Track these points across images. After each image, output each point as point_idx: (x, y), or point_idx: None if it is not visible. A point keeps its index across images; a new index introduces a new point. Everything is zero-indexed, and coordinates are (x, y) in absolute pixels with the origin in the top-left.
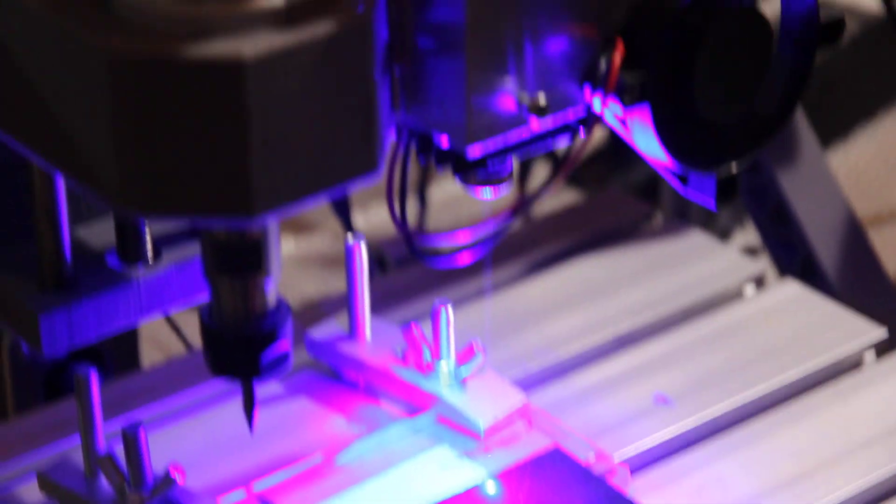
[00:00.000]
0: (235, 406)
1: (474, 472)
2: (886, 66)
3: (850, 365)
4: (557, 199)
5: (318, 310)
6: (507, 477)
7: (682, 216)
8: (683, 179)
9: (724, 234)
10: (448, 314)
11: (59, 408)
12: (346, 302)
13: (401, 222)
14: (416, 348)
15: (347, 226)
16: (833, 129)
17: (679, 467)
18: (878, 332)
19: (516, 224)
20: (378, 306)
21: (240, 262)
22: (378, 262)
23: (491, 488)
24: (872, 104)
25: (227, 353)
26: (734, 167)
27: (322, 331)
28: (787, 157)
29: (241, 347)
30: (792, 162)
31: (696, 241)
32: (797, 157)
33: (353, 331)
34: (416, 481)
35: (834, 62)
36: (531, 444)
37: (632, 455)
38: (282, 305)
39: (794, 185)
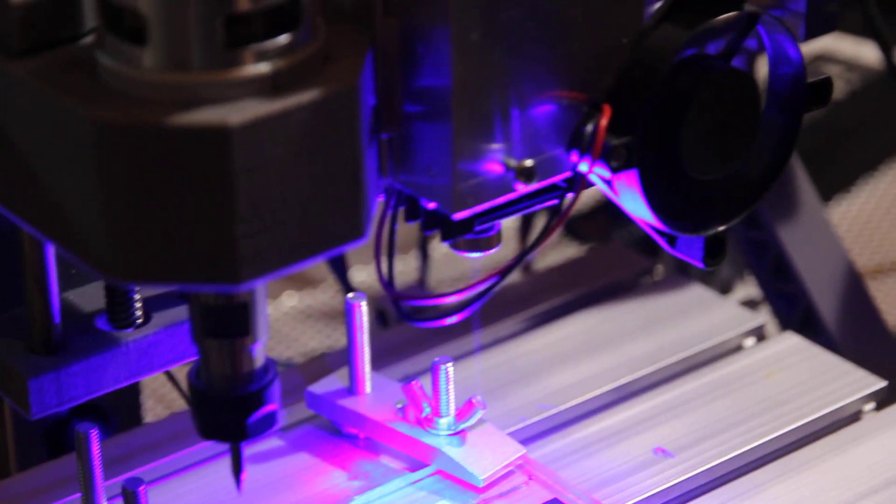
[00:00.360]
0: None
1: None
2: (888, 119)
3: (850, 417)
4: (559, 253)
5: (322, 362)
6: None
7: (683, 270)
8: (671, 239)
9: (724, 288)
10: (448, 372)
11: (60, 464)
12: (347, 358)
13: (388, 283)
14: (416, 404)
15: (344, 283)
16: (835, 182)
17: None
18: (878, 385)
19: (517, 277)
20: (379, 361)
21: (227, 326)
22: (379, 317)
23: None
24: (874, 157)
25: (215, 416)
26: (722, 229)
27: (322, 386)
28: (786, 210)
29: (229, 411)
30: (791, 216)
31: (696, 294)
32: (797, 211)
33: (354, 386)
34: None
35: (835, 115)
36: (530, 497)
37: None
38: (270, 367)
39: (794, 239)
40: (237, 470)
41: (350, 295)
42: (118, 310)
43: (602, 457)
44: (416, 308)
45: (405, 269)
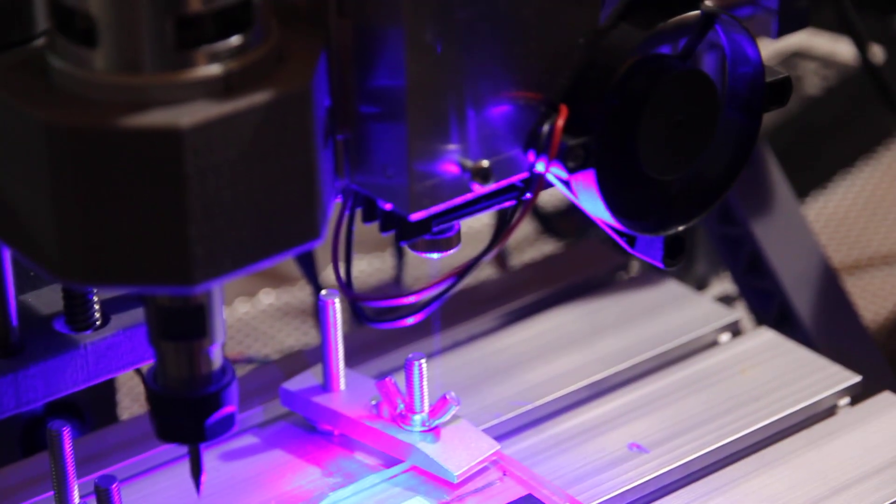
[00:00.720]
0: (211, 458)
1: None
2: (864, 116)
3: (825, 412)
4: (535, 250)
5: (300, 358)
6: None
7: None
8: (631, 239)
9: (700, 284)
10: (421, 368)
11: (34, 463)
12: (321, 355)
13: (345, 285)
14: (391, 401)
15: (314, 282)
16: (811, 178)
17: None
18: (853, 380)
19: (493, 274)
20: (354, 358)
21: (183, 328)
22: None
23: None
24: (850, 153)
25: (173, 418)
26: (681, 229)
27: (297, 383)
28: (761, 206)
29: (186, 413)
30: (766, 212)
31: (671, 290)
32: (771, 207)
33: (328, 383)
34: None
35: (812, 111)
36: (505, 493)
37: (606, 502)
38: (227, 368)
39: (769, 235)
40: (196, 472)
41: (323, 292)
42: (76, 312)
43: (577, 453)
44: (374, 309)
45: (382, 266)
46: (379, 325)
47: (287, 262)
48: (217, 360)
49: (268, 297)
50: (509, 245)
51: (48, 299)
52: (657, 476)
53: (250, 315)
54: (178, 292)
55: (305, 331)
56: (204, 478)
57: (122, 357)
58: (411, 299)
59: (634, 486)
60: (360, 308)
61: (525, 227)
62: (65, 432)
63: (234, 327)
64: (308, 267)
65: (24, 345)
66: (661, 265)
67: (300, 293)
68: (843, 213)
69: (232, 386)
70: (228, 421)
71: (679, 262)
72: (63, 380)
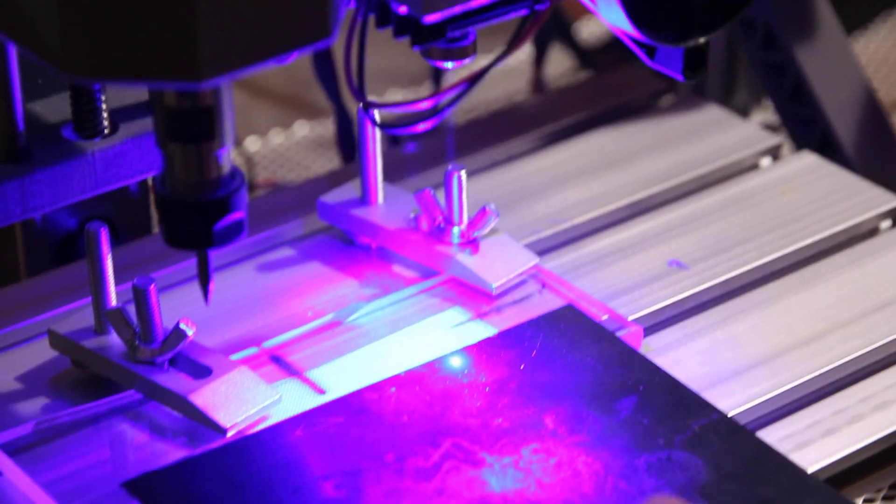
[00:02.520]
0: (248, 269)
1: (486, 330)
2: None
3: (866, 232)
4: (573, 80)
5: (340, 175)
6: (518, 331)
7: (700, 94)
8: (651, 51)
9: (741, 113)
10: (461, 179)
11: (70, 270)
12: (359, 169)
13: (358, 91)
14: (429, 212)
15: (337, 104)
16: (853, 18)
17: (692, 328)
18: (894, 201)
19: (531, 96)
20: (391, 177)
21: (191, 129)
22: (391, 139)
23: (498, 343)
24: None
25: (180, 223)
26: (702, 40)
27: (335, 196)
28: (805, 34)
29: (194, 217)
30: (810, 38)
31: (713, 114)
32: (815, 33)
33: (366, 196)
34: (428, 339)
35: None
36: (544, 305)
37: (645, 316)
38: (237, 174)
39: (813, 62)
40: (204, 279)
41: (361, 104)
42: (84, 119)
43: (616, 268)
44: (388, 115)
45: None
46: (392, 131)
47: (322, 94)
48: (226, 164)
49: (302, 129)
50: (548, 78)
51: (57, 107)
52: (697, 292)
53: (284, 146)
54: (186, 88)
55: (339, 162)
56: (212, 286)
57: (130, 165)
58: (424, 105)
59: (674, 302)
60: (373, 114)
61: (564, 62)
62: (102, 232)
63: (268, 157)
64: (332, 90)
65: (30, 151)
66: (680, 77)
67: (334, 126)
68: (884, 53)
69: (241, 192)
70: (237, 227)
71: (699, 76)
72: (70, 187)
